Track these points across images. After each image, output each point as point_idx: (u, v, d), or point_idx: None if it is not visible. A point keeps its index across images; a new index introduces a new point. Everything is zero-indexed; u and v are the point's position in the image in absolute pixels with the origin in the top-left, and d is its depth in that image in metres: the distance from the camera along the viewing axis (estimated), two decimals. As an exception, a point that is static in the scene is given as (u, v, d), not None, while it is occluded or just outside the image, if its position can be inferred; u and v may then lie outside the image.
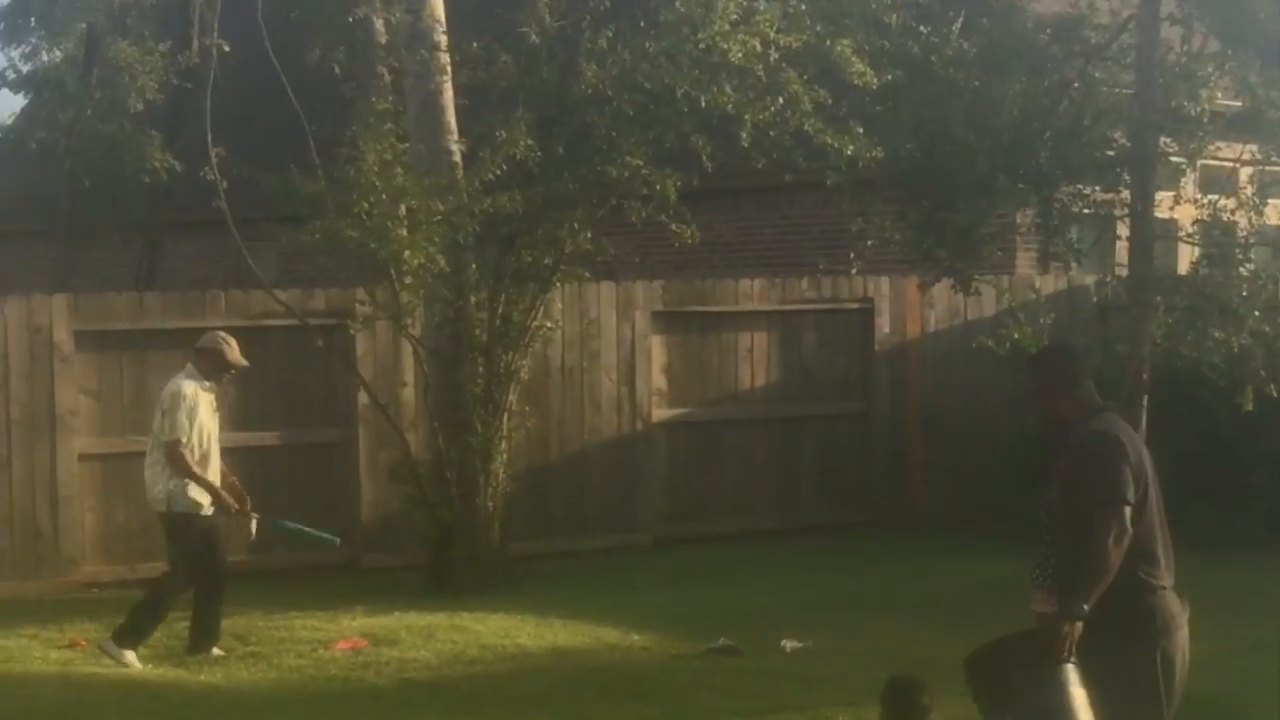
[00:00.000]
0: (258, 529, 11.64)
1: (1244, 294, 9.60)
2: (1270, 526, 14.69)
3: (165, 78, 22.73)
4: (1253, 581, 13.34)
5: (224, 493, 11.16)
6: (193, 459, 11.00)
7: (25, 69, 24.30)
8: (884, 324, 16.83)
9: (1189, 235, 10.53)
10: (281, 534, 12.21)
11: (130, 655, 10.89)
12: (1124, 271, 10.84)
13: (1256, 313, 10.02)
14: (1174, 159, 10.10)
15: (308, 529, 12.09)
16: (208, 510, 11.16)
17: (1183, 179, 10.47)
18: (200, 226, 22.59)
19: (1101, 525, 6.25)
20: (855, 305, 16.79)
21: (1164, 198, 10.09)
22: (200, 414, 11.08)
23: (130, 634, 11.04)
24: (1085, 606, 6.26)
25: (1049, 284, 16.93)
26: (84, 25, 23.20)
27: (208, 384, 11.23)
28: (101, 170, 22.18)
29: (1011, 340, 16.33)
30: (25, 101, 26.24)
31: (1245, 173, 10.33)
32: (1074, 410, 6.58)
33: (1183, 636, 6.44)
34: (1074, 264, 11.09)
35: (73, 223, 23.11)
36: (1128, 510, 6.25)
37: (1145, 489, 6.48)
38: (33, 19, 24.04)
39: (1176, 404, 13.68)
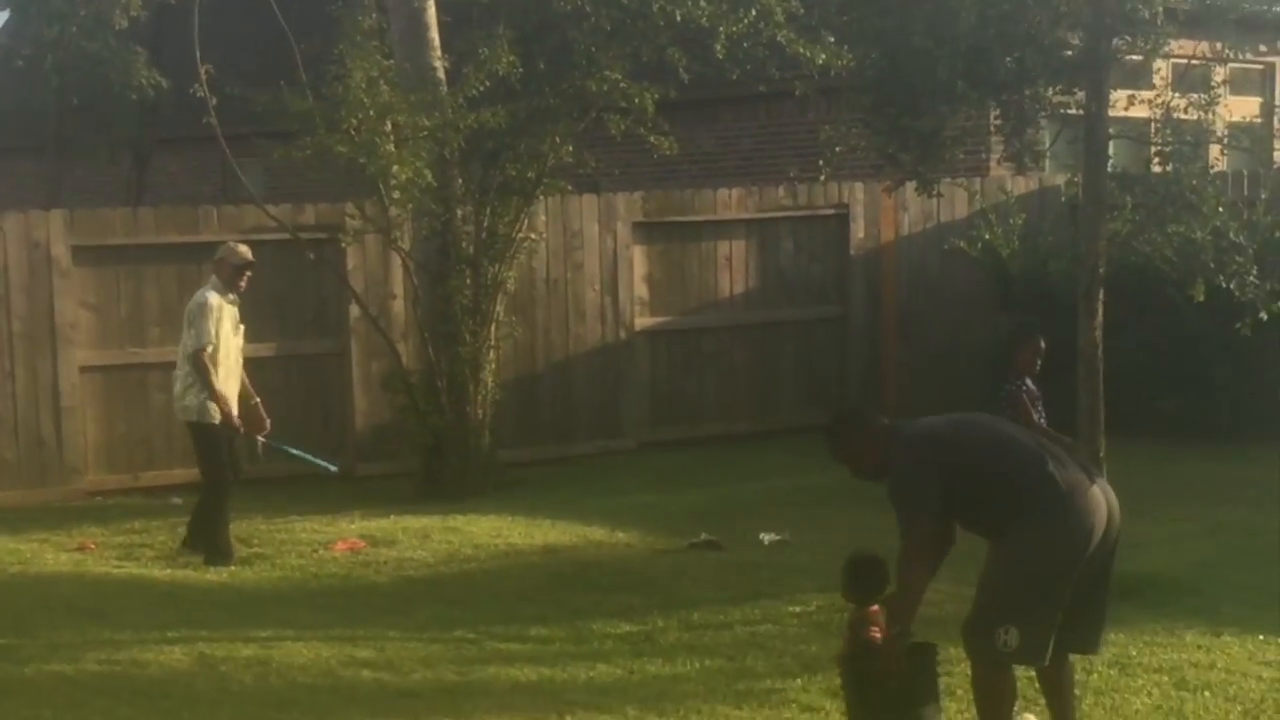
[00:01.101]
0: (262, 450, 12.11)
1: (1194, 187, 10.00)
2: (1234, 416, 15.19)
3: (149, -8, 22.90)
4: (1214, 469, 13.90)
5: (232, 412, 11.47)
6: (215, 370, 11.38)
7: (9, -14, 24.38)
8: (859, 229, 17.22)
9: (1142, 134, 10.93)
10: (282, 455, 12.62)
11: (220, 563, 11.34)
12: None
13: (1220, 208, 10.41)
14: (1130, 58, 10.50)
15: (308, 455, 12.53)
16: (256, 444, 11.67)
17: (1150, 78, 10.85)
18: (187, 142, 22.92)
19: (902, 542, 6.78)
20: (831, 211, 17.17)
21: (1120, 97, 10.49)
22: (225, 326, 11.46)
23: (218, 553, 11.41)
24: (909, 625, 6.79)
25: (1020, 185, 17.34)
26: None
27: (231, 295, 11.58)
28: (89, 87, 22.38)
29: (983, 241, 16.79)
30: (8, 18, 26.41)
31: (1199, 73, 10.74)
32: (880, 453, 6.98)
33: (1090, 500, 6.76)
34: (1031, 164, 11.45)
35: (61, 139, 23.35)
36: (925, 519, 6.74)
37: (986, 444, 6.99)
38: (16, -66, 24.11)
39: (1143, 298, 14.16)
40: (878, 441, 7.04)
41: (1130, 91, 10.92)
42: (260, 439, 11.99)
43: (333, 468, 12.77)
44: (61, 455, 14.44)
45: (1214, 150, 11.54)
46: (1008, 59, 9.97)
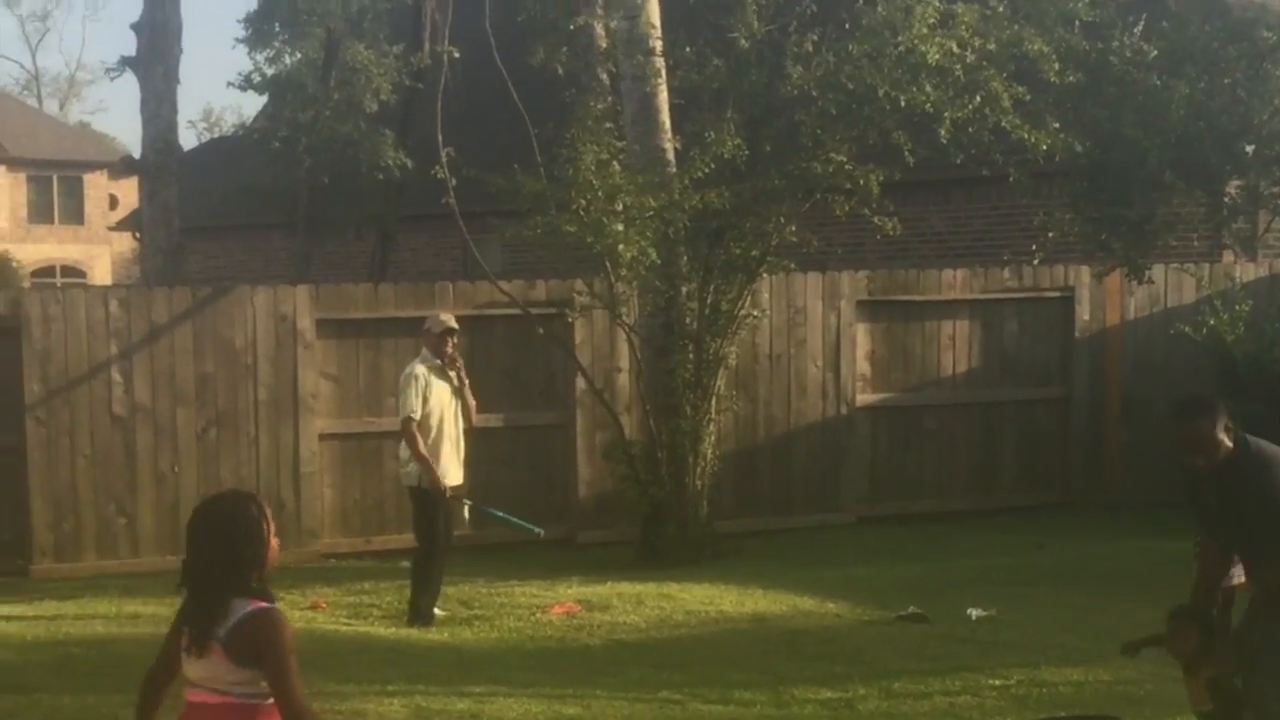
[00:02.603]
0: (469, 515, 12.56)
1: None
2: None
3: (398, 79, 23.80)
4: None
5: (438, 478, 11.81)
6: (423, 437, 11.85)
7: (269, 72, 25.50)
8: (1084, 312, 17.25)
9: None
10: (489, 519, 13.06)
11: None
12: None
13: None
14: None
15: (513, 518, 12.91)
16: (452, 482, 12.03)
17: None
18: (429, 220, 23.69)
19: None
20: (1056, 294, 17.22)
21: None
22: (435, 392, 11.89)
23: (418, 615, 11.93)
24: None
25: (1250, 272, 17.25)
26: (323, 29, 24.32)
27: (438, 362, 12.03)
28: (339, 167, 23.32)
29: (1208, 326, 16.73)
30: (266, 102, 27.56)
31: None
32: (1228, 447, 6.89)
33: None
34: (1240, 253, 11.52)
35: (311, 216, 24.29)
36: None
37: None
38: (276, 24, 25.19)
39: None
40: (1230, 437, 6.93)
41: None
42: (467, 503, 12.44)
43: (538, 530, 13.11)
44: (300, 518, 15.09)
45: None
46: (1218, 150, 10.09)
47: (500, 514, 12.89)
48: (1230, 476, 6.91)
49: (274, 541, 5.21)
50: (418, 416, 11.81)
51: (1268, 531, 6.88)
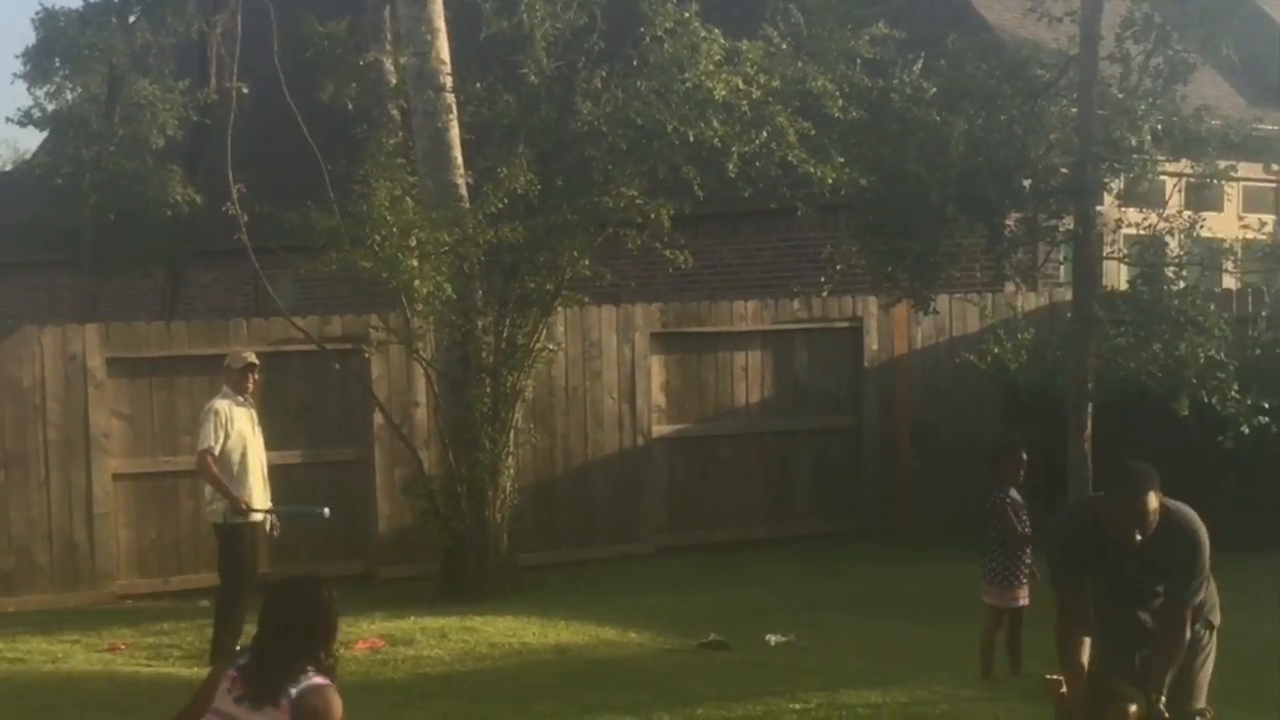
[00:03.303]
0: (271, 528, 12.53)
1: (1174, 306, 10.43)
2: (1236, 526, 15.47)
3: (185, 114, 23.54)
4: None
5: (238, 496, 11.90)
6: (221, 468, 11.85)
7: (50, 107, 25.05)
8: (872, 342, 17.64)
9: (1125, 256, 11.40)
10: (287, 520, 12.96)
11: None
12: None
13: (1222, 328, 10.79)
14: (1111, 183, 11.00)
15: (298, 508, 13.16)
16: (256, 517, 12.06)
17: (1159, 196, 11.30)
18: (220, 255, 23.48)
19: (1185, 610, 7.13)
20: (845, 324, 17.60)
21: (1116, 215, 10.99)
22: (238, 426, 11.97)
23: (222, 654, 11.78)
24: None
25: (1031, 301, 17.77)
26: (106, 65, 23.98)
27: (240, 399, 12.12)
28: (125, 204, 22.95)
29: (992, 355, 17.20)
30: (47, 137, 27.04)
31: (1176, 198, 11.20)
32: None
33: None
34: (1020, 284, 11.93)
35: (98, 254, 23.91)
36: None
37: None
38: (56, 59, 24.75)
39: (1145, 411, 14.52)
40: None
41: (1133, 209, 11.34)
42: (264, 514, 12.36)
43: (324, 510, 12.97)
44: (94, 560, 14.88)
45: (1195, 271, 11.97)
46: (996, 185, 10.44)
47: (284, 509, 12.84)
48: (1157, 539, 6.89)
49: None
50: (217, 450, 11.82)
51: (1174, 584, 7.04)
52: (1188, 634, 7.00)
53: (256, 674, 5.48)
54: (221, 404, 12.01)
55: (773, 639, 12.08)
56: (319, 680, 5.46)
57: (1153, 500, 6.74)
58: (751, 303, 17.50)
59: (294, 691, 5.38)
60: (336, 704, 5.46)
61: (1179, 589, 7.00)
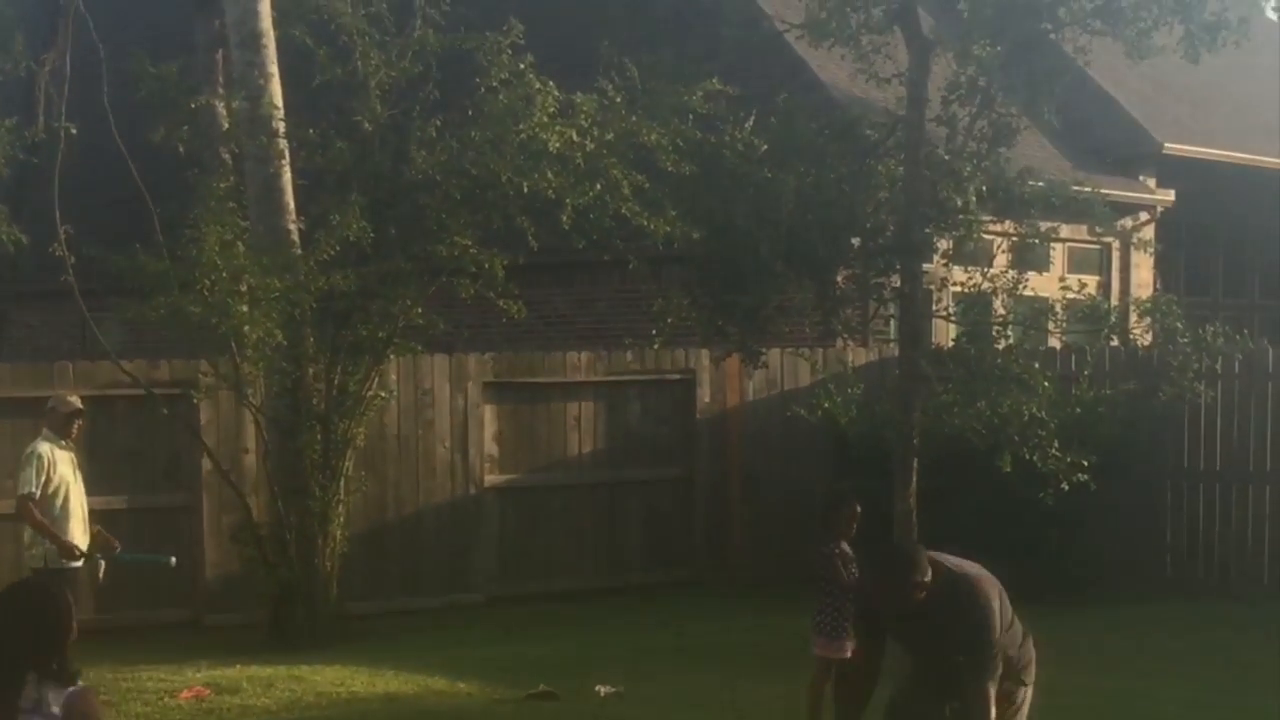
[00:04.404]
0: (103, 574, 12.39)
1: (999, 364, 10.64)
2: (1059, 580, 15.79)
3: (11, 153, 23.15)
4: (1032, 630, 14.38)
5: (68, 541, 11.92)
6: (42, 513, 11.82)
7: None
8: (704, 394, 17.76)
9: (951, 314, 11.63)
10: (124, 567, 12.94)
11: None
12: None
13: (1046, 383, 11.01)
14: (940, 242, 11.24)
15: (143, 556, 13.04)
16: (77, 563, 11.95)
17: (984, 255, 11.52)
18: (46, 296, 23.06)
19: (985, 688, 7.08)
20: (677, 376, 17.71)
21: (942, 274, 11.24)
22: (60, 470, 11.98)
23: None
24: None
25: (861, 356, 18.02)
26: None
27: (63, 442, 12.12)
28: (-52, 242, 22.54)
29: (822, 409, 17.40)
30: None
31: (1002, 258, 11.44)
32: (930, 585, 7.01)
33: None
34: (849, 340, 12.13)
35: (-82, 293, 23.46)
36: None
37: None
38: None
39: (973, 466, 14.77)
40: (931, 574, 6.99)
41: (960, 268, 11.59)
42: (99, 558, 12.35)
43: (171, 559, 13.10)
44: (-91, 606, 14.50)
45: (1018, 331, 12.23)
46: (826, 242, 10.60)
47: (129, 556, 12.79)
48: (942, 613, 6.97)
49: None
50: (37, 494, 11.77)
51: (965, 665, 6.99)
52: (989, 711, 6.95)
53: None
54: (44, 447, 11.98)
55: (602, 690, 12.11)
56: (76, 687, 5.36)
57: (905, 584, 6.85)
58: (585, 353, 17.56)
59: (55, 709, 5.25)
60: (98, 708, 5.37)
61: (969, 669, 6.97)
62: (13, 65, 23.14)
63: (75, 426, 12.23)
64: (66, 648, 5.43)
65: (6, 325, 23.77)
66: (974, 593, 7.01)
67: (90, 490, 14.09)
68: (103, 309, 16.15)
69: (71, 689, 5.33)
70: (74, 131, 18.68)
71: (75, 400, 12.33)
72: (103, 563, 12.38)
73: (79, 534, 12.05)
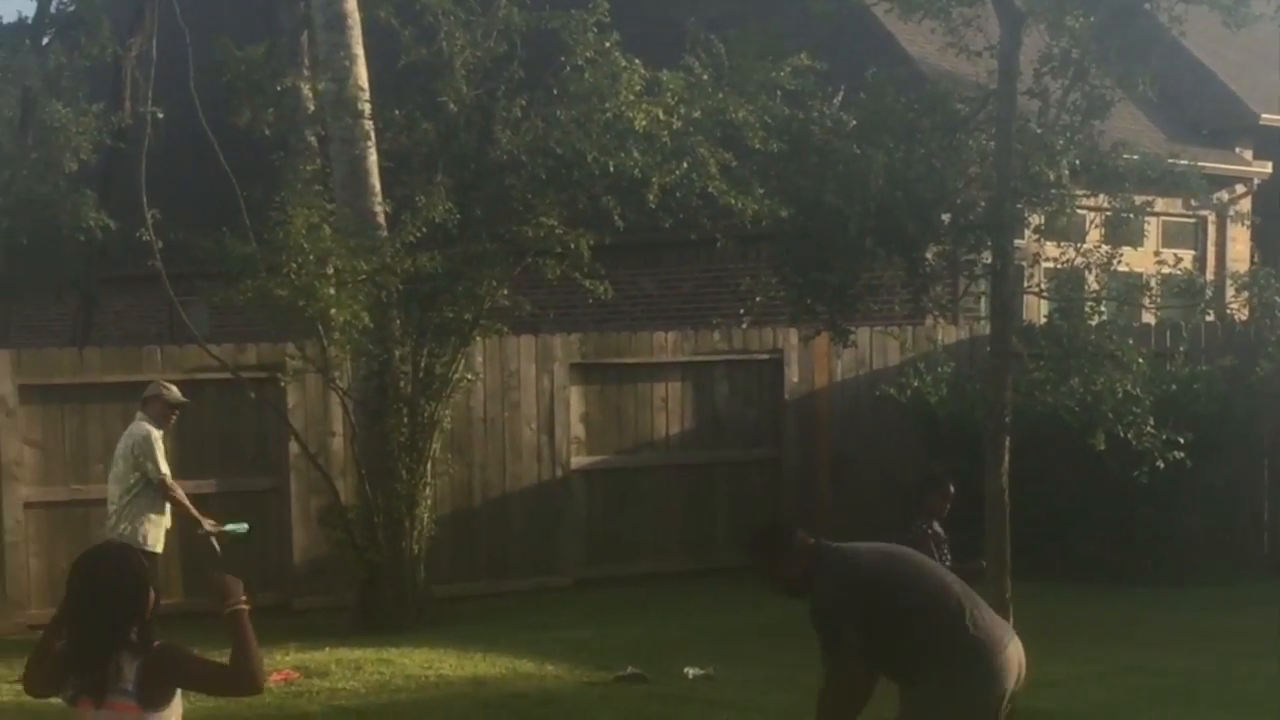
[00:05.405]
0: (219, 544, 12.91)
1: (1092, 340, 10.46)
2: (1153, 560, 15.59)
3: (99, 138, 23.32)
4: (1129, 612, 14.23)
5: (199, 514, 12.66)
6: (147, 494, 12.32)
7: (-39, 131, 24.76)
8: (793, 373, 17.60)
9: (1043, 290, 11.45)
10: (221, 538, 13.17)
11: None
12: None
13: (1139, 362, 10.84)
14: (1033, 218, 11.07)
15: (225, 527, 13.19)
16: (159, 549, 12.39)
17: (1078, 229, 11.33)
18: (133, 281, 23.26)
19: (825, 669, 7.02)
20: (765, 356, 17.55)
21: (1037, 249, 11.08)
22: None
23: None
24: None
25: (951, 334, 17.81)
26: (18, 88, 23.73)
27: (158, 430, 12.49)
28: (37, 229, 22.72)
29: (911, 388, 17.23)
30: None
31: (1095, 233, 11.26)
32: (801, 569, 7.16)
33: (1003, 662, 6.98)
34: (939, 317, 11.96)
35: (9, 279, 23.65)
36: (846, 648, 6.91)
37: (910, 585, 7.11)
38: (-33, 83, 24.53)
39: (1065, 445, 14.57)
40: (800, 558, 7.14)
41: (1052, 243, 11.39)
42: (211, 534, 12.83)
43: (244, 526, 13.30)
44: (4, 589, 14.64)
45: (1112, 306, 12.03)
46: (915, 218, 10.44)
47: (212, 530, 13.03)
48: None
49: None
50: (170, 475, 12.47)
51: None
52: (829, 682, 6.96)
53: (77, 660, 5.29)
54: (157, 433, 12.40)
55: (690, 672, 12.03)
56: (154, 646, 5.30)
57: (759, 566, 7.26)
58: (672, 334, 17.45)
59: (131, 676, 5.22)
60: (186, 654, 5.34)
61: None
62: (99, 51, 23.33)
63: (173, 418, 12.61)
64: (145, 614, 5.37)
65: (95, 311, 23.92)
66: (819, 586, 7.09)
67: (179, 474, 14.19)
68: (190, 293, 16.24)
69: (147, 652, 5.29)
70: (160, 116, 18.79)
71: (179, 393, 12.68)
72: (214, 539, 12.73)
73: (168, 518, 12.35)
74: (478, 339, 15.21)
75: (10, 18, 24.95)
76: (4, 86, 24.23)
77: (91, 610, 5.27)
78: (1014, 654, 7.00)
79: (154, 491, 12.48)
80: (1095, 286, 11.08)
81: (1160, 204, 14.72)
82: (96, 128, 23.26)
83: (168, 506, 12.62)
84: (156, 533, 12.46)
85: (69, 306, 24.38)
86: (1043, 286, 11.63)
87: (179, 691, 5.36)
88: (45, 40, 24.37)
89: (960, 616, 6.94)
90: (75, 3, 24.37)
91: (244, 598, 5.37)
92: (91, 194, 22.60)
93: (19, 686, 11.87)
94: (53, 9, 24.37)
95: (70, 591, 5.35)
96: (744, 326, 16.69)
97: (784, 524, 7.76)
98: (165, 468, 12.45)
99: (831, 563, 7.09)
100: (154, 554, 12.21)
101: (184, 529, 13.27)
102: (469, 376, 15.30)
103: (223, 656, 5.47)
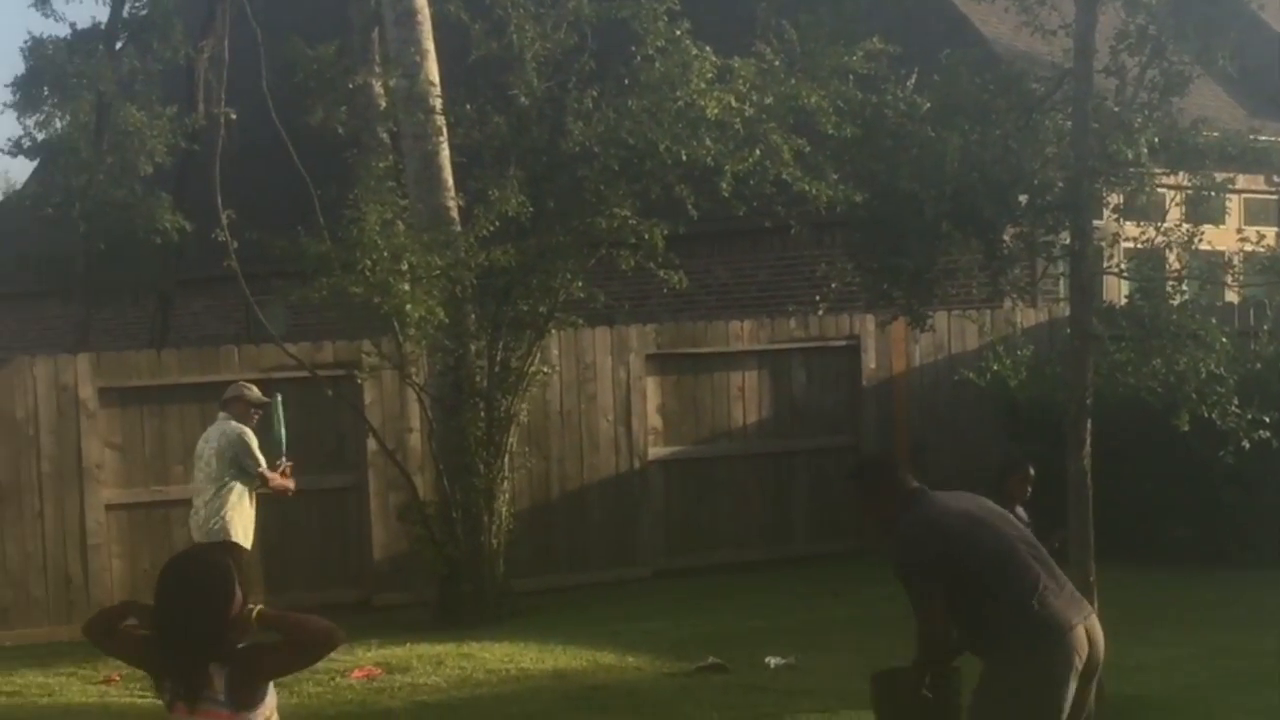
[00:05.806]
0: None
1: (1174, 320, 10.31)
2: (1241, 542, 15.40)
3: (173, 141, 23.42)
4: (1218, 594, 14.07)
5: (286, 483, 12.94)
6: (228, 490, 12.54)
7: (40, 136, 24.95)
8: (870, 360, 17.50)
9: (1123, 270, 11.31)
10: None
11: None
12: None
13: (1223, 342, 10.70)
14: (1112, 198, 10.92)
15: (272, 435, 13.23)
16: (248, 542, 12.64)
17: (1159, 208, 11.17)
18: (210, 283, 23.32)
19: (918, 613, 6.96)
20: (842, 342, 17.46)
21: (1115, 229, 10.95)
22: None
23: None
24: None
25: (1030, 317, 17.66)
26: (93, 92, 23.88)
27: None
28: (115, 232, 22.86)
29: (991, 372, 17.08)
30: (37, 167, 26.98)
31: (1175, 211, 11.09)
32: (895, 510, 7.10)
33: (1071, 642, 6.92)
34: (1017, 300, 11.82)
35: (88, 283, 23.79)
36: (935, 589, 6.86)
37: (989, 549, 7.02)
38: (45, 88, 24.67)
39: (1148, 427, 14.39)
40: (895, 500, 7.14)
41: (1132, 223, 11.23)
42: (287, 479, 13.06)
43: (278, 396, 13.30)
44: (88, 591, 14.75)
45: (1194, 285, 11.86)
46: (992, 201, 10.31)
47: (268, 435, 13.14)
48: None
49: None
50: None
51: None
52: (921, 626, 6.92)
53: (174, 664, 5.28)
54: (249, 430, 12.73)
55: (772, 661, 11.97)
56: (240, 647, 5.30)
57: (862, 496, 7.39)
58: (747, 322, 17.38)
59: (221, 685, 5.21)
60: (267, 650, 5.32)
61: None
62: (172, 54, 23.44)
63: (256, 417, 12.79)
64: (233, 622, 5.32)
65: (172, 313, 24.05)
66: (899, 534, 7.08)
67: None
68: (266, 293, 16.30)
69: (234, 660, 5.26)
70: (234, 117, 18.85)
71: (257, 393, 12.92)
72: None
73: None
74: (553, 332, 15.21)
75: (85, 23, 25.09)
76: (79, 92, 24.38)
77: (181, 623, 5.26)
78: (1083, 634, 6.94)
79: (244, 488, 12.63)
80: (1176, 266, 10.90)
81: (1241, 180, 14.52)
82: (170, 130, 23.35)
83: (255, 504, 12.82)
84: (247, 528, 12.63)
85: (147, 309, 24.50)
86: (1122, 267, 11.46)
87: (271, 685, 5.33)
88: (119, 45, 24.47)
89: (1029, 595, 6.88)
90: (148, 6, 24.48)
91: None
92: (167, 197, 22.70)
93: (105, 688, 12.03)
94: (125, 13, 24.49)
95: (159, 602, 5.32)
96: (820, 313, 16.58)
97: (890, 461, 7.67)
98: (263, 461, 12.71)
99: (916, 513, 7.06)
100: (244, 549, 12.38)
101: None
102: (545, 369, 15.29)
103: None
